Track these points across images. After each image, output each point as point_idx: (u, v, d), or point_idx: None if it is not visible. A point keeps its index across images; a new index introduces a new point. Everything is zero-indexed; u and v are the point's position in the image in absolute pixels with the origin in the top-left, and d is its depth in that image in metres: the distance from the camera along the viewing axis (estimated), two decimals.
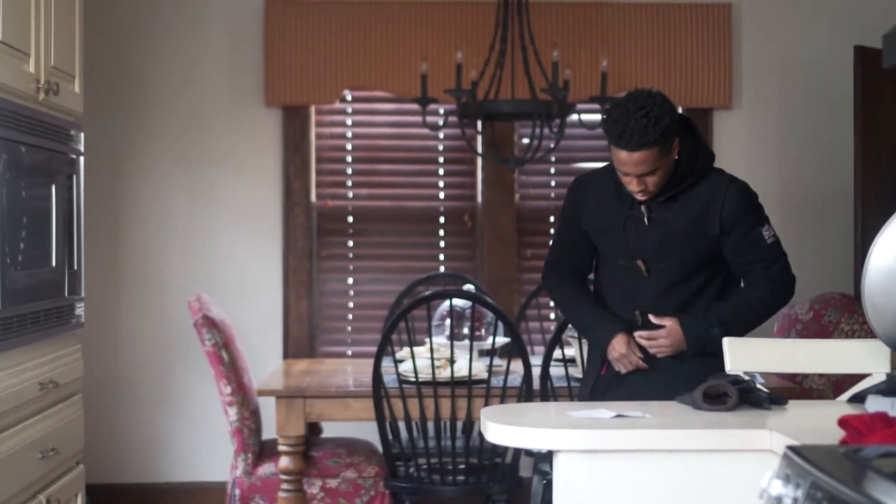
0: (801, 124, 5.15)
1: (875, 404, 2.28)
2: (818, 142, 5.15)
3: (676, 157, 2.78)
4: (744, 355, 2.70)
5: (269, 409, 4.04)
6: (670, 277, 2.85)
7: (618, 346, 2.86)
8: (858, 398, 2.43)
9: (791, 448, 1.77)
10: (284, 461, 3.70)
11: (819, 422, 2.20)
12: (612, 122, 2.71)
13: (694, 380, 2.58)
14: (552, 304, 3.24)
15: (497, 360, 3.97)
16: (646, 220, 2.83)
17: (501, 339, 3.89)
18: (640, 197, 2.80)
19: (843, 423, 1.93)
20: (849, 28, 5.06)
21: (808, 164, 5.15)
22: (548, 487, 3.56)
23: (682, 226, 2.82)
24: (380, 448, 3.93)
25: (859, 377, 2.75)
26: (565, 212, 3.01)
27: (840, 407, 2.40)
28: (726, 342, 2.74)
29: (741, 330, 2.84)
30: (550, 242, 3.16)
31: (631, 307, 2.90)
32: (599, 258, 2.99)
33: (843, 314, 4.27)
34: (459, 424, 3.64)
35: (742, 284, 2.93)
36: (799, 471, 1.69)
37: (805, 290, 4.96)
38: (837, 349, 2.76)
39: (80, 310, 3.39)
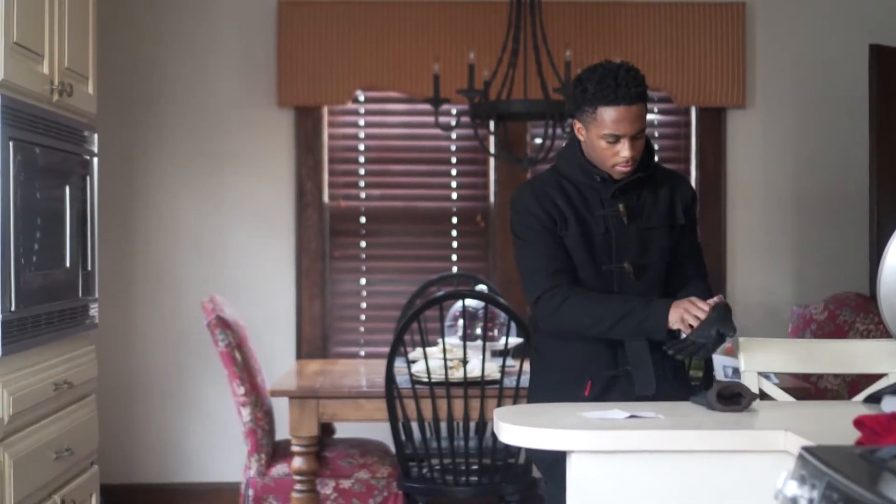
0: (816, 123, 5.13)
1: (891, 404, 2.27)
2: (833, 141, 5.13)
3: None
4: (758, 356, 2.70)
5: (282, 409, 4.04)
6: (653, 277, 2.74)
7: (679, 304, 2.57)
8: (874, 398, 2.42)
9: (806, 449, 1.77)
10: (298, 462, 3.70)
11: (834, 422, 2.19)
12: (599, 83, 2.59)
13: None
14: (564, 323, 2.70)
15: (510, 361, 3.97)
16: (625, 218, 2.71)
17: (514, 340, 3.88)
18: (624, 168, 2.65)
19: (859, 423, 1.92)
20: (864, 26, 5.03)
21: (822, 164, 5.13)
22: None
23: (657, 219, 2.74)
24: (393, 449, 3.93)
25: (875, 377, 2.74)
26: (533, 224, 2.72)
27: (855, 407, 2.39)
28: (741, 342, 2.73)
29: None
30: (527, 261, 2.76)
31: None
32: (577, 267, 2.73)
33: (859, 314, 4.25)
34: (472, 425, 3.64)
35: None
36: (814, 472, 1.68)
37: (820, 289, 4.97)
38: (853, 349, 2.74)
39: (93, 310, 3.40)
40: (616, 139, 2.62)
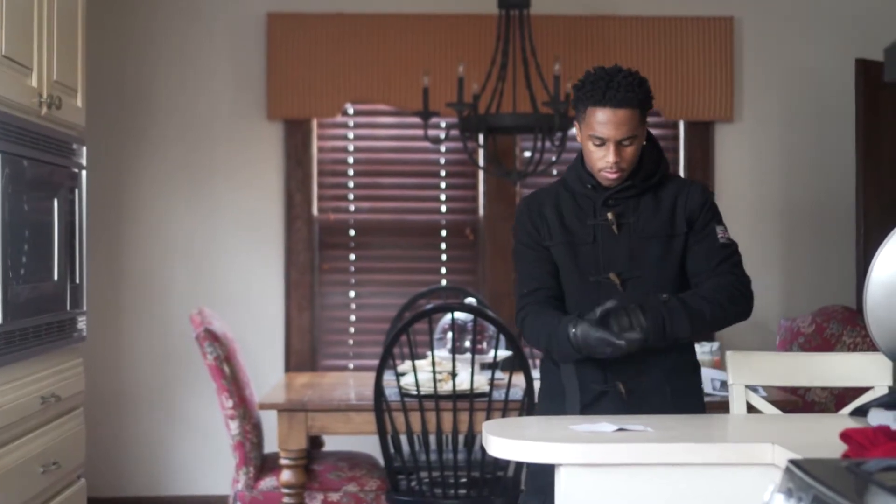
0: (803, 137, 5.16)
1: (877, 418, 2.28)
2: (820, 154, 5.15)
3: (644, 142, 2.68)
4: (746, 369, 2.70)
5: (270, 422, 4.03)
6: (645, 289, 2.65)
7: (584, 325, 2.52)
8: (860, 412, 2.43)
9: (793, 462, 1.77)
10: (286, 475, 3.69)
11: (821, 435, 2.20)
12: (594, 82, 2.60)
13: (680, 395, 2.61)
14: (529, 343, 2.74)
15: (499, 374, 3.97)
16: (615, 228, 2.67)
17: (503, 353, 3.88)
18: (611, 175, 2.62)
19: (846, 436, 1.93)
20: (850, 41, 5.07)
21: (809, 177, 5.15)
22: None
23: (652, 229, 2.67)
24: (381, 462, 3.92)
25: (861, 390, 2.75)
26: (522, 237, 2.75)
27: (842, 420, 2.40)
28: (729, 355, 2.74)
29: (693, 308, 2.58)
30: (516, 281, 2.77)
31: None
32: (564, 277, 2.72)
33: (846, 327, 4.27)
34: (461, 438, 3.63)
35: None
36: (801, 485, 1.68)
37: (807, 302, 4.99)
38: (839, 362, 2.75)
39: (81, 323, 3.39)
40: (601, 142, 2.61)
